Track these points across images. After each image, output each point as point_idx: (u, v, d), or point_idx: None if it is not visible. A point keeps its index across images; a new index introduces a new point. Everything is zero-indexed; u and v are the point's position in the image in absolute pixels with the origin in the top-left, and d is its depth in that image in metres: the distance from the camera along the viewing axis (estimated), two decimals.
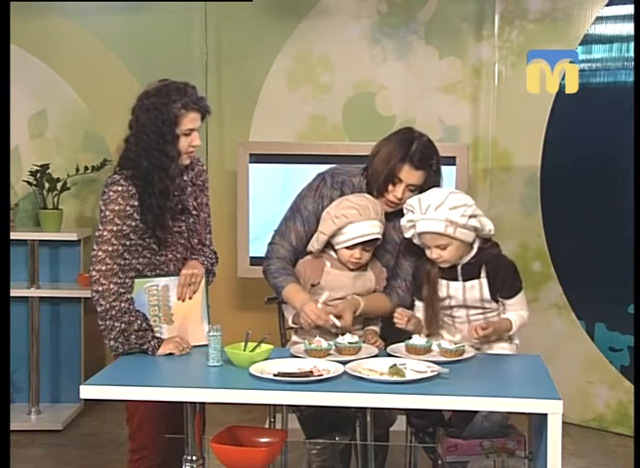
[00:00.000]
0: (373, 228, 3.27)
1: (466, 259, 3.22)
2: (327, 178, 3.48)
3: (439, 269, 3.22)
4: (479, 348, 3.22)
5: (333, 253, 3.38)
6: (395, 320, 3.20)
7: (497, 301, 3.23)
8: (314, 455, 3.47)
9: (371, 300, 3.35)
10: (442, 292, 3.23)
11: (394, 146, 3.35)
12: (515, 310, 3.22)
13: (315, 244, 3.35)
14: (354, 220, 3.26)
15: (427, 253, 3.21)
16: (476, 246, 3.23)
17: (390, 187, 3.34)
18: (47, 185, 4.97)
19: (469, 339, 3.19)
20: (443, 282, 3.23)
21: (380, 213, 3.31)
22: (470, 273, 3.21)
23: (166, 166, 3.12)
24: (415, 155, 3.30)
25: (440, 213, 3.14)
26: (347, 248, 3.29)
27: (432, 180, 3.34)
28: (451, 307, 3.24)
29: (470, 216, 3.16)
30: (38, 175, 4.95)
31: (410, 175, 3.31)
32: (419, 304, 3.30)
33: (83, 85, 5.20)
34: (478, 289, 3.20)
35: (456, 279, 3.22)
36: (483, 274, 3.20)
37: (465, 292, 3.21)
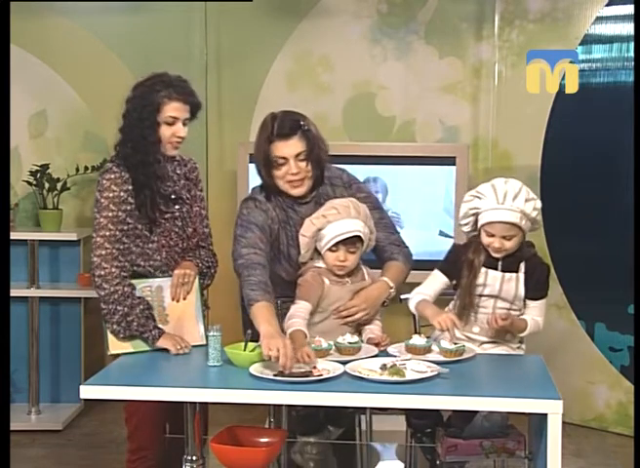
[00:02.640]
0: (353, 226, 3.16)
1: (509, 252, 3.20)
2: (257, 197, 3.35)
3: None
4: (495, 340, 3.21)
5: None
6: (442, 327, 3.11)
7: (524, 302, 3.23)
8: (308, 447, 3.48)
9: (391, 274, 3.32)
10: (479, 279, 3.20)
11: (257, 136, 3.29)
12: (533, 314, 3.21)
13: (302, 250, 3.25)
14: (333, 220, 3.17)
15: (487, 241, 3.15)
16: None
17: (278, 171, 3.24)
18: (47, 185, 4.97)
19: (486, 333, 3.19)
20: (482, 269, 3.20)
21: (363, 213, 3.21)
22: (510, 266, 3.19)
23: (147, 150, 3.17)
24: (276, 129, 3.21)
25: (517, 203, 3.11)
26: (331, 250, 3.18)
27: (313, 142, 3.24)
28: (481, 296, 3.21)
29: (539, 210, 3.16)
30: (38, 175, 4.96)
31: (284, 147, 3.21)
32: (443, 279, 3.26)
33: (83, 85, 5.20)
34: (515, 283, 3.19)
35: (495, 268, 3.19)
36: (522, 270, 3.19)
37: (503, 283, 3.18)
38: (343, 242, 3.17)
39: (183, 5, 5.09)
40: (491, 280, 3.19)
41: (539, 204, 3.16)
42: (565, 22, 4.85)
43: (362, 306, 3.21)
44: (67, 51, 5.18)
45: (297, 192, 3.29)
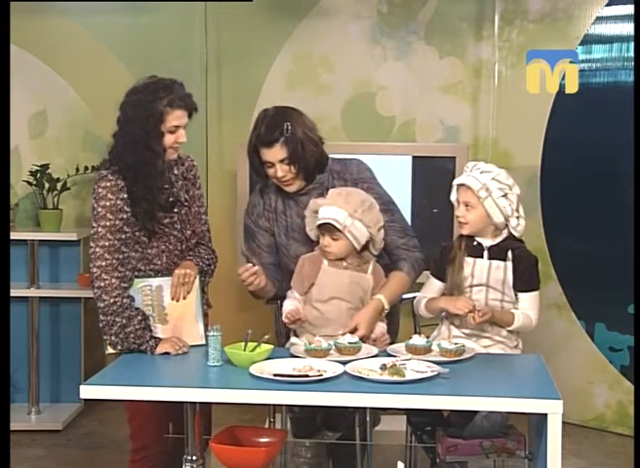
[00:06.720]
0: (330, 213, 3.23)
1: (494, 242, 3.25)
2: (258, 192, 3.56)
3: (466, 248, 3.26)
4: (489, 336, 3.23)
5: None
6: (463, 311, 3.15)
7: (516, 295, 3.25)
8: (303, 451, 3.48)
9: (390, 290, 3.32)
10: (465, 271, 3.24)
11: (250, 134, 3.42)
12: (525, 308, 3.23)
13: (307, 227, 3.36)
14: (322, 204, 3.28)
15: (457, 212, 3.27)
16: (505, 232, 3.26)
17: (268, 172, 3.38)
18: (47, 185, 4.97)
19: (481, 328, 3.21)
20: (469, 260, 3.25)
21: (354, 204, 3.24)
22: (496, 255, 3.24)
23: (152, 161, 3.15)
24: (261, 135, 3.34)
25: (483, 176, 3.22)
26: (322, 234, 3.29)
27: (296, 145, 3.33)
28: (471, 287, 3.24)
29: (505, 196, 3.21)
30: (38, 175, 4.96)
31: (269, 153, 3.34)
32: (438, 283, 3.32)
33: (83, 85, 5.20)
34: (503, 271, 3.23)
35: (481, 257, 3.24)
36: (509, 258, 3.23)
37: (490, 272, 3.23)
38: (326, 228, 3.26)
39: (183, 5, 5.09)
40: (478, 269, 3.23)
41: (507, 190, 3.21)
42: (565, 22, 4.85)
43: (361, 332, 3.19)
44: (67, 51, 5.18)
45: (289, 189, 3.43)
